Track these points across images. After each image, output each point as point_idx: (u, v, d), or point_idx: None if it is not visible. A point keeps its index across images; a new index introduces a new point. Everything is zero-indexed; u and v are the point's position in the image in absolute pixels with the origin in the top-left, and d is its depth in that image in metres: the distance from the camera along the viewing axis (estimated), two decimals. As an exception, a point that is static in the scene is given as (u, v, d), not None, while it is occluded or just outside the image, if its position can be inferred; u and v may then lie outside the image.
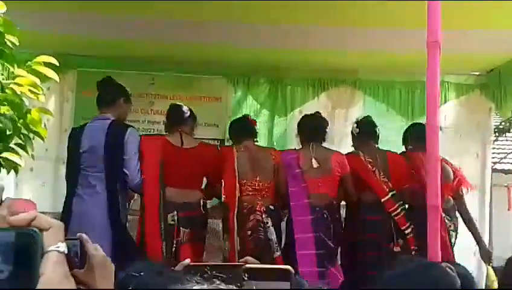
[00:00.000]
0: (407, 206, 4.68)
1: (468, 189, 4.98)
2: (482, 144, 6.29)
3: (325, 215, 4.51)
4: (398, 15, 4.45)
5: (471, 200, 5.96)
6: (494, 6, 4.23)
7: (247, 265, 1.57)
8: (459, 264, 1.80)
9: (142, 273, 1.09)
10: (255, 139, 4.82)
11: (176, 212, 4.30)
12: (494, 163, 10.71)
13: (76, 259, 1.07)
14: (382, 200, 4.58)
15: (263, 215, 4.41)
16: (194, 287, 0.94)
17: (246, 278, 1.47)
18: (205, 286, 0.95)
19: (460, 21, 4.35)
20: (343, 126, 6.39)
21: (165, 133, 4.77)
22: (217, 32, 5.20)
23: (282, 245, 4.60)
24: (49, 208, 5.80)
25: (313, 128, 4.81)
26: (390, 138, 5.73)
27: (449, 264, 1.60)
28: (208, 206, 4.69)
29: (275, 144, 6.16)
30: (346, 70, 6.30)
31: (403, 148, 5.10)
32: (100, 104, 4.46)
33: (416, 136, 4.90)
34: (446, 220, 4.64)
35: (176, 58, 6.11)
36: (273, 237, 4.39)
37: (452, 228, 4.71)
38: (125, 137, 4.23)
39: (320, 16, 4.62)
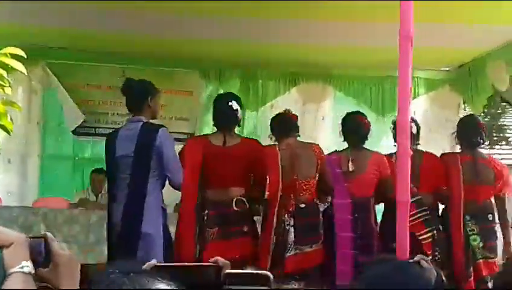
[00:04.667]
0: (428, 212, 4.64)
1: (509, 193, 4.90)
2: (449, 139, 6.36)
3: (359, 216, 4.55)
4: (370, 9, 4.46)
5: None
6: (463, 2, 4.28)
7: (228, 270, 1.56)
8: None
9: (118, 273, 1.06)
10: (297, 134, 4.74)
11: (207, 211, 4.28)
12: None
13: (41, 258, 1.04)
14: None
15: (286, 216, 4.42)
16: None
17: (226, 285, 1.47)
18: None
19: (431, 16, 4.38)
20: (313, 121, 6.41)
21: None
22: (188, 26, 5.16)
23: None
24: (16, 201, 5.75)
25: (352, 130, 4.80)
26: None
27: (424, 257, 1.61)
28: None
29: (246, 137, 6.16)
30: (318, 65, 6.31)
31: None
32: (130, 108, 4.36)
33: (463, 133, 4.92)
34: (469, 223, 4.64)
35: (148, 51, 6.05)
36: (291, 236, 4.39)
37: (475, 231, 4.65)
38: (156, 141, 4.12)
39: (293, 10, 4.61)
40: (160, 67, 6.40)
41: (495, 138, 13.10)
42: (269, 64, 6.33)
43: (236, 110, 4.42)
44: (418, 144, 4.95)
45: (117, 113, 6.49)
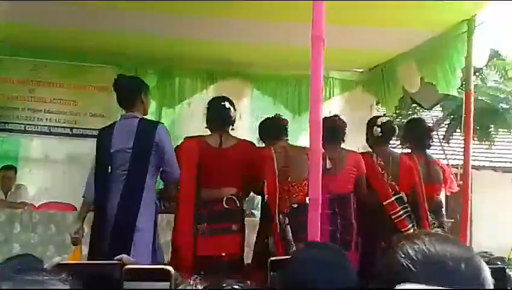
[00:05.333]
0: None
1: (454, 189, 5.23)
2: (363, 140, 6.54)
3: (339, 211, 4.64)
4: (284, 9, 4.51)
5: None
6: (377, 5, 4.40)
7: (128, 266, 1.55)
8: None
9: (11, 270, 1.02)
10: (287, 138, 4.77)
11: (200, 211, 4.28)
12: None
13: None
14: (384, 203, 4.73)
15: (280, 216, 4.44)
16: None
17: (125, 279, 1.46)
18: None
19: (345, 18, 4.48)
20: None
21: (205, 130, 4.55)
22: (104, 20, 5.06)
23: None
24: None
25: (330, 130, 4.84)
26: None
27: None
28: None
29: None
30: (235, 63, 6.34)
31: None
32: (123, 105, 4.27)
33: (415, 135, 5.11)
34: (430, 218, 4.84)
35: (61, 45, 5.88)
36: (289, 235, 4.41)
37: (436, 224, 4.91)
38: (155, 136, 4.08)
39: (212, 7, 4.60)
40: (74, 61, 6.24)
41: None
42: (187, 61, 6.30)
43: (229, 110, 4.45)
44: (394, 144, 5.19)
45: (28, 108, 6.29)
